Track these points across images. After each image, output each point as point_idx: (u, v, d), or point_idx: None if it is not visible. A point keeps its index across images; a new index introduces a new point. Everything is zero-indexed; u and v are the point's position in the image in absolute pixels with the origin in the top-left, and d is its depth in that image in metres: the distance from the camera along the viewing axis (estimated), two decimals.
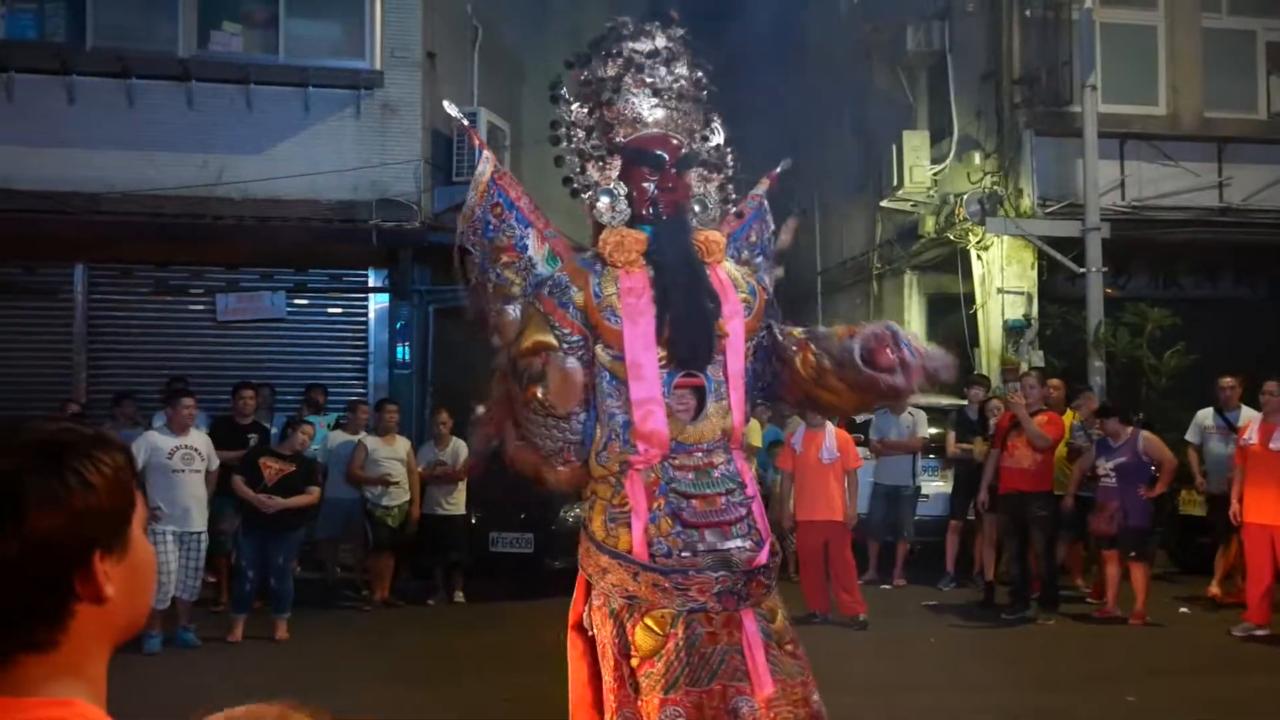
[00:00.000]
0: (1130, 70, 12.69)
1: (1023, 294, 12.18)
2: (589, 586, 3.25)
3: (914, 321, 14.64)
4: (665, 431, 3.16)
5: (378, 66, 10.87)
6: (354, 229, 10.81)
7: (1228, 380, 9.32)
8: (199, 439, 7.79)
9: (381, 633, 8.29)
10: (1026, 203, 12.21)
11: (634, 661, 3.08)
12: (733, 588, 3.10)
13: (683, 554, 3.10)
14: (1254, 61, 12.97)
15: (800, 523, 8.64)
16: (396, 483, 9.15)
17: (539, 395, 3.12)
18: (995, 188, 12.30)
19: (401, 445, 9.29)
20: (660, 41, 3.35)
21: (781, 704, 3.09)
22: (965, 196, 12.29)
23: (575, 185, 3.38)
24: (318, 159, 10.74)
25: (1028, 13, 12.35)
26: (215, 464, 7.82)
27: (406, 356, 11.35)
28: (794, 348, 3.40)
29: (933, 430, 10.50)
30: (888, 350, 3.19)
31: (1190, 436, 9.23)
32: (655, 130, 3.32)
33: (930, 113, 14.15)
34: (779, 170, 3.81)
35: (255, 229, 10.68)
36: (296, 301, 11.60)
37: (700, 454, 3.20)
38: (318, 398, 10.26)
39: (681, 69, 3.36)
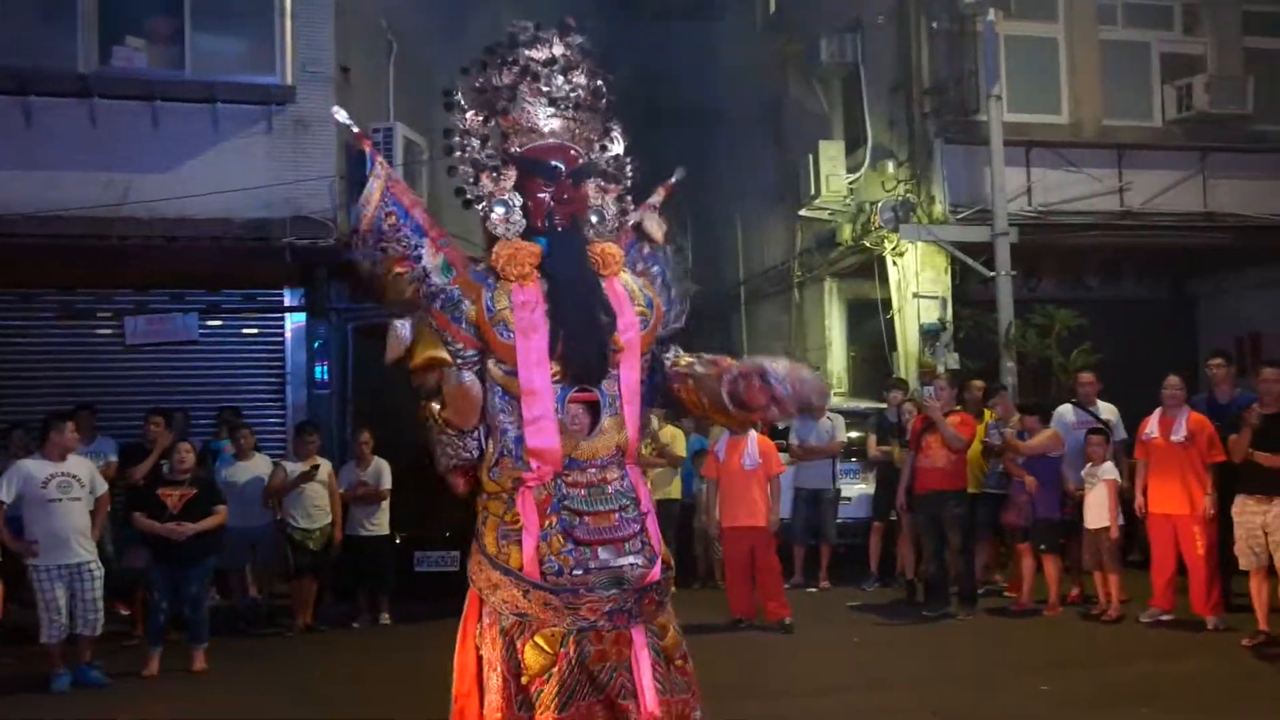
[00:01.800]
0: (1033, 80, 13.07)
1: (937, 298, 12.42)
2: (480, 604, 3.20)
3: (835, 327, 14.86)
4: (558, 448, 3.11)
5: (289, 81, 10.68)
6: (267, 247, 10.59)
7: (1087, 376, 9.74)
8: (79, 465, 7.40)
9: (305, 659, 8.14)
10: (939, 209, 12.47)
11: (524, 679, 3.05)
12: (624, 605, 3.07)
13: (574, 572, 3.06)
14: (1149, 71, 13.46)
15: (725, 529, 8.69)
16: (316, 467, 8.97)
17: (435, 412, 3.11)
18: (908, 195, 12.54)
19: (322, 467, 9.13)
20: (558, 49, 3.28)
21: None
22: (880, 204, 12.51)
23: (469, 196, 3.31)
24: (228, 176, 10.49)
25: (934, 25, 12.65)
26: (101, 489, 7.48)
27: (325, 376, 11.17)
28: (676, 383, 3.38)
29: (853, 434, 10.66)
30: (757, 389, 3.16)
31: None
32: (551, 140, 3.26)
33: (845, 123, 14.38)
34: (673, 180, 3.73)
35: (164, 249, 10.40)
36: (209, 323, 11.36)
37: (594, 470, 3.14)
38: (232, 420, 10.05)
39: (579, 77, 3.29)
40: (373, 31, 11.92)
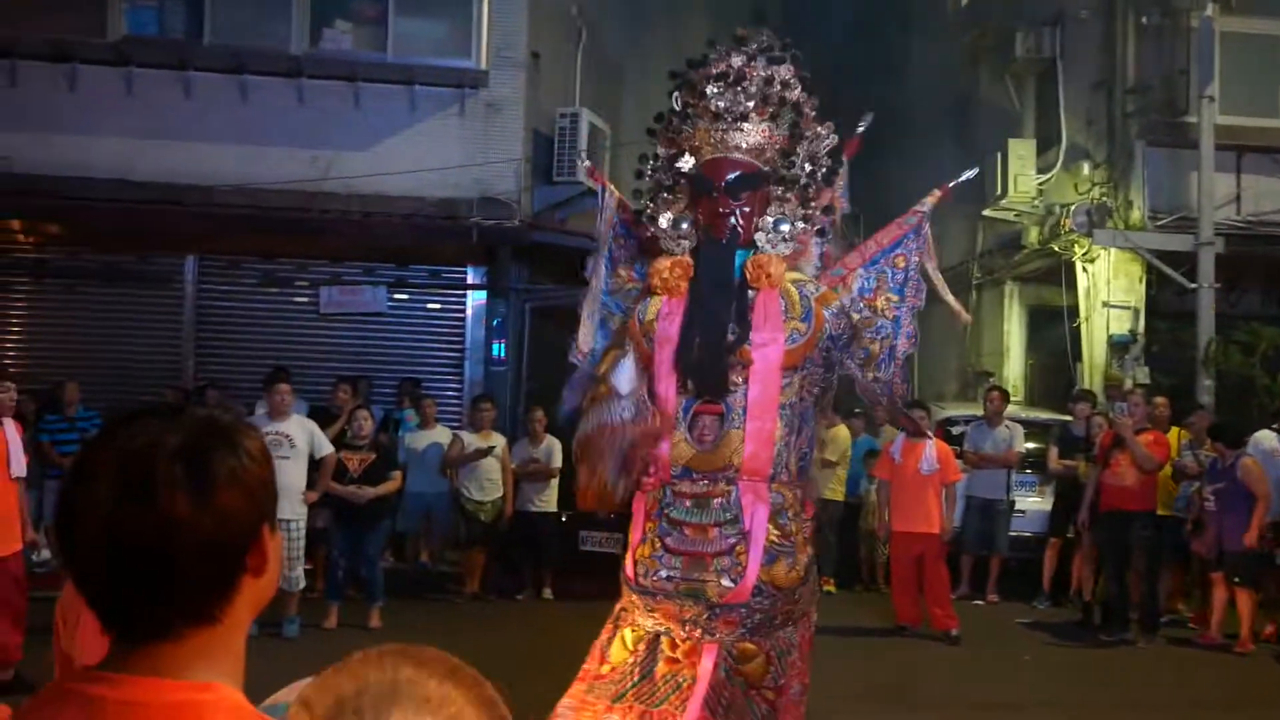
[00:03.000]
0: (1250, 81, 12.25)
1: (1129, 309, 11.85)
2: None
3: (1014, 333, 14.34)
4: (666, 456, 3.20)
5: (483, 66, 10.98)
6: (454, 226, 10.95)
7: None
8: (295, 426, 7.76)
9: (471, 626, 8.39)
10: (1136, 215, 11.88)
11: (605, 667, 3.19)
12: (698, 619, 3.12)
13: (656, 576, 3.15)
14: None
15: (896, 534, 8.51)
16: (493, 448, 9.21)
17: (606, 389, 3.28)
18: (1104, 199, 11.99)
19: (497, 441, 9.39)
20: (734, 61, 3.31)
21: None
22: (1073, 207, 11.99)
23: (646, 216, 3.42)
24: (422, 156, 10.90)
25: (1144, 20, 12.01)
26: (323, 451, 7.82)
27: (502, 354, 11.46)
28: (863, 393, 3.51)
29: (1030, 445, 10.27)
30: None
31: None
32: (714, 154, 3.29)
33: (1037, 121, 13.83)
34: (861, 130, 3.75)
35: (359, 224, 10.89)
36: (396, 296, 11.80)
37: (704, 482, 3.19)
38: (413, 391, 10.45)
39: (752, 86, 3.29)
40: (563, 18, 12.12)
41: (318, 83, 10.95)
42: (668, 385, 3.22)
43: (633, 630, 3.19)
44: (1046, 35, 13.18)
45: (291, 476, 7.61)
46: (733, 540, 3.17)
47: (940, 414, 10.99)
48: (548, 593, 9.43)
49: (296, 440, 7.68)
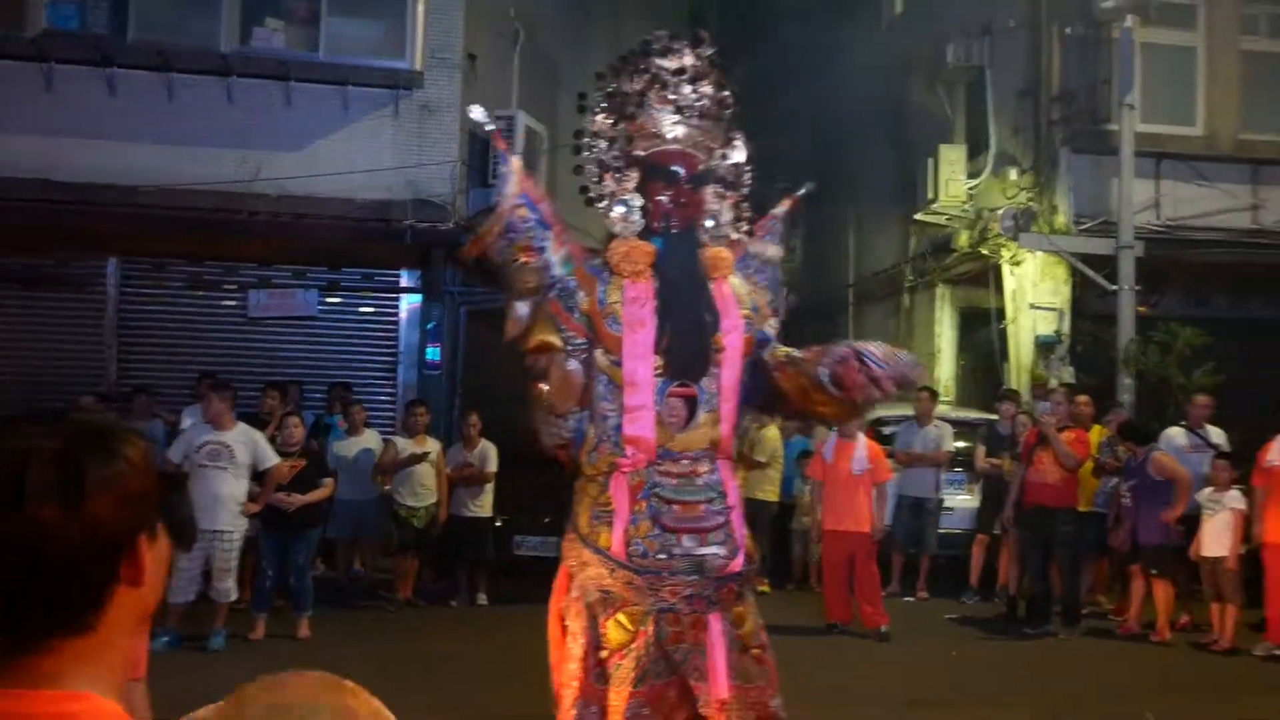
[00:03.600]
0: (1168, 90, 12.66)
1: (1055, 310, 12.14)
2: (570, 579, 3.39)
3: (945, 334, 14.60)
4: (653, 438, 3.29)
5: (418, 67, 10.89)
6: (388, 228, 10.85)
7: (1202, 398, 9.48)
8: (237, 436, 7.59)
9: (403, 633, 8.31)
10: (1061, 219, 12.17)
11: (603, 654, 3.22)
12: (703, 592, 3.24)
13: (658, 555, 3.23)
14: None
15: (827, 533, 8.62)
16: (427, 453, 9.16)
17: (543, 392, 3.30)
18: (1030, 203, 12.27)
19: (431, 447, 9.33)
20: (688, 59, 3.42)
21: (738, 706, 3.23)
22: (1000, 211, 12.25)
23: (592, 194, 3.49)
24: (355, 158, 10.79)
25: (1068, 30, 12.33)
26: (267, 462, 7.63)
27: (437, 358, 11.37)
28: (776, 371, 3.51)
29: (959, 443, 10.47)
30: (854, 369, 3.28)
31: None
32: (674, 146, 3.41)
33: (967, 127, 14.11)
34: (801, 193, 3.91)
35: (290, 226, 10.73)
36: (328, 300, 11.65)
37: (686, 461, 3.32)
38: (343, 396, 10.33)
39: (706, 87, 3.43)
40: (500, 20, 12.08)
41: (248, 81, 10.78)
42: (645, 368, 3.29)
43: (628, 613, 3.23)
44: (975, 44, 13.45)
45: (230, 487, 7.45)
46: (721, 515, 3.33)
47: (871, 414, 11.14)
48: (482, 598, 9.38)
49: (237, 451, 7.50)
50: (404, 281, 11.65)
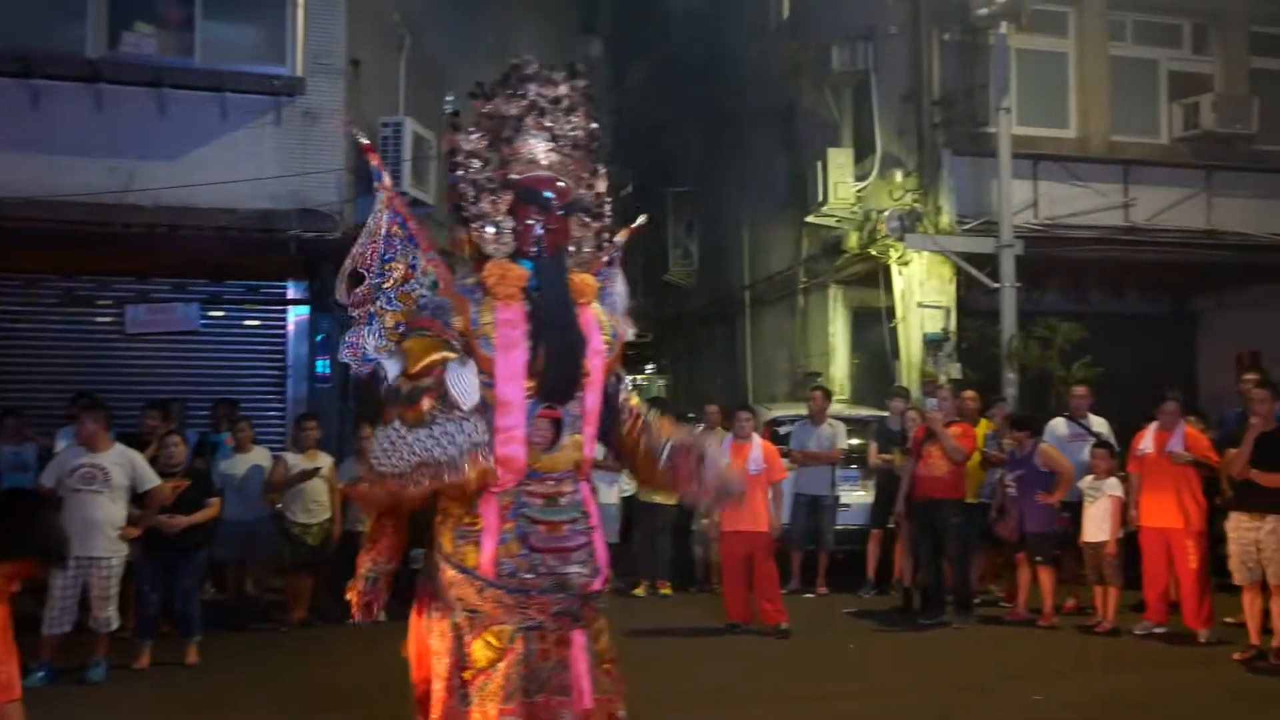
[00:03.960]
0: (1042, 94, 13.14)
1: (941, 308, 12.43)
2: (431, 600, 3.47)
3: (838, 334, 14.85)
4: (523, 458, 3.37)
5: (299, 73, 10.64)
6: (273, 239, 10.56)
7: (1080, 389, 9.83)
8: (113, 458, 7.26)
9: (299, 654, 8.08)
10: (945, 220, 12.48)
11: (467, 675, 3.29)
12: (568, 609, 3.37)
13: (525, 575, 3.33)
14: (1157, 89, 13.56)
15: (725, 533, 8.66)
16: (319, 468, 8.94)
17: (432, 404, 3.18)
18: (915, 205, 12.56)
19: (323, 461, 9.10)
20: (564, 89, 3.53)
21: (598, 717, 3.40)
22: (887, 213, 12.52)
23: (464, 213, 3.53)
24: (235, 167, 10.46)
25: (946, 36, 12.67)
26: (147, 484, 7.33)
27: (327, 370, 11.12)
28: (626, 418, 3.72)
29: (853, 441, 10.66)
30: (688, 466, 3.60)
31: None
32: (547, 173, 3.51)
33: (854, 131, 14.38)
34: (637, 225, 4.05)
35: (168, 238, 10.35)
36: (211, 314, 11.32)
37: (551, 482, 3.42)
38: (229, 413, 10.02)
39: (579, 118, 3.55)
40: (385, 25, 11.89)
41: (118, 88, 10.36)
42: (517, 390, 3.35)
43: (495, 631, 3.31)
44: (860, 49, 13.71)
45: (106, 511, 7.12)
46: (583, 534, 3.45)
47: (768, 415, 11.28)
48: (380, 614, 9.15)
49: (113, 474, 7.17)
50: (291, 293, 11.37)
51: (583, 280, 3.56)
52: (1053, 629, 8.58)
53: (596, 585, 3.44)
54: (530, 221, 3.48)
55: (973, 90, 12.53)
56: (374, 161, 3.77)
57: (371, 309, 3.59)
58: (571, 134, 3.52)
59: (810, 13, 15.66)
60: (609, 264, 3.88)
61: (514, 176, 3.49)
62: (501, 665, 3.27)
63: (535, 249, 3.48)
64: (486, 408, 3.32)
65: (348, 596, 3.86)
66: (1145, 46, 13.62)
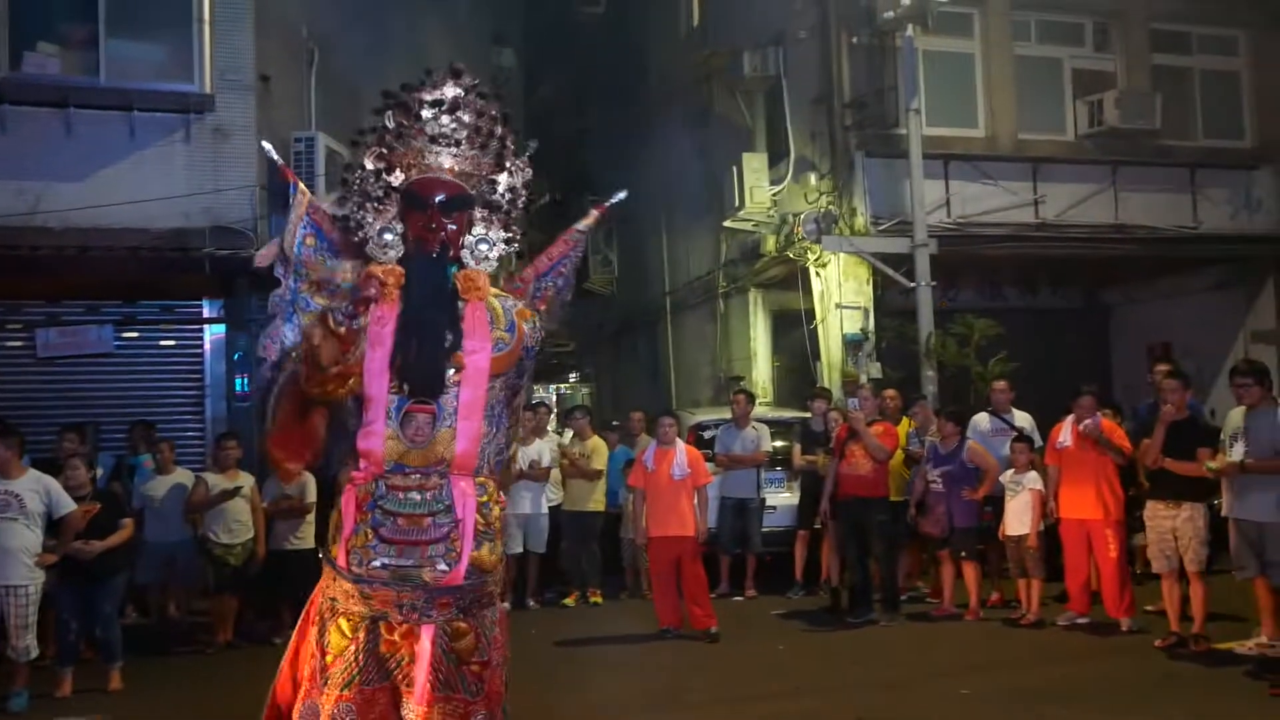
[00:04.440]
0: (951, 95, 13.38)
1: (860, 309, 12.60)
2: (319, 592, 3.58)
3: (759, 337, 15.01)
4: (380, 451, 3.42)
5: (207, 89, 10.49)
6: (186, 258, 10.39)
7: (1001, 384, 10.06)
8: (28, 484, 7.13)
9: (225, 676, 7.95)
10: (860, 221, 12.67)
11: (328, 659, 3.39)
12: (415, 603, 3.39)
13: (372, 565, 3.38)
14: (1062, 87, 13.87)
15: (652, 539, 8.70)
16: (239, 488, 8.83)
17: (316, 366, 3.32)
18: (830, 207, 12.73)
19: (244, 480, 8.98)
20: (448, 91, 3.57)
21: (438, 716, 3.39)
22: (803, 216, 12.68)
23: (351, 223, 3.60)
24: (146, 185, 10.29)
25: (855, 40, 12.86)
26: (63, 509, 7.17)
27: (246, 388, 10.97)
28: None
29: (777, 443, 10.78)
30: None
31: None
32: (428, 175, 3.56)
33: (768, 135, 14.56)
34: (612, 202, 4.07)
35: (78, 259, 10.14)
36: (125, 334, 11.10)
37: (417, 476, 3.45)
38: (146, 434, 9.84)
39: (465, 116, 3.59)
40: (293, 39, 11.76)
41: (21, 109, 10.17)
42: (380, 385, 3.42)
43: (347, 618, 3.40)
44: (771, 54, 13.91)
45: (21, 539, 6.99)
46: (446, 528, 3.44)
47: (691, 420, 11.37)
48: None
49: (27, 500, 7.05)
50: (206, 312, 11.20)
51: (468, 276, 3.58)
52: (979, 623, 8.75)
53: (454, 580, 3.42)
54: (414, 224, 3.54)
55: (883, 92, 12.72)
56: (289, 177, 3.85)
57: (289, 309, 3.67)
58: (454, 133, 3.57)
59: (720, 19, 15.84)
60: (573, 248, 3.98)
61: (394, 182, 3.56)
62: (345, 653, 3.37)
63: (417, 249, 3.54)
64: (358, 403, 3.44)
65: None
66: (1049, 45, 13.92)
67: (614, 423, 11.44)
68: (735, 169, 13.66)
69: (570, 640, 8.39)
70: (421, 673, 3.35)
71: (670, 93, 17.03)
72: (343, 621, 3.39)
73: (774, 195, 13.64)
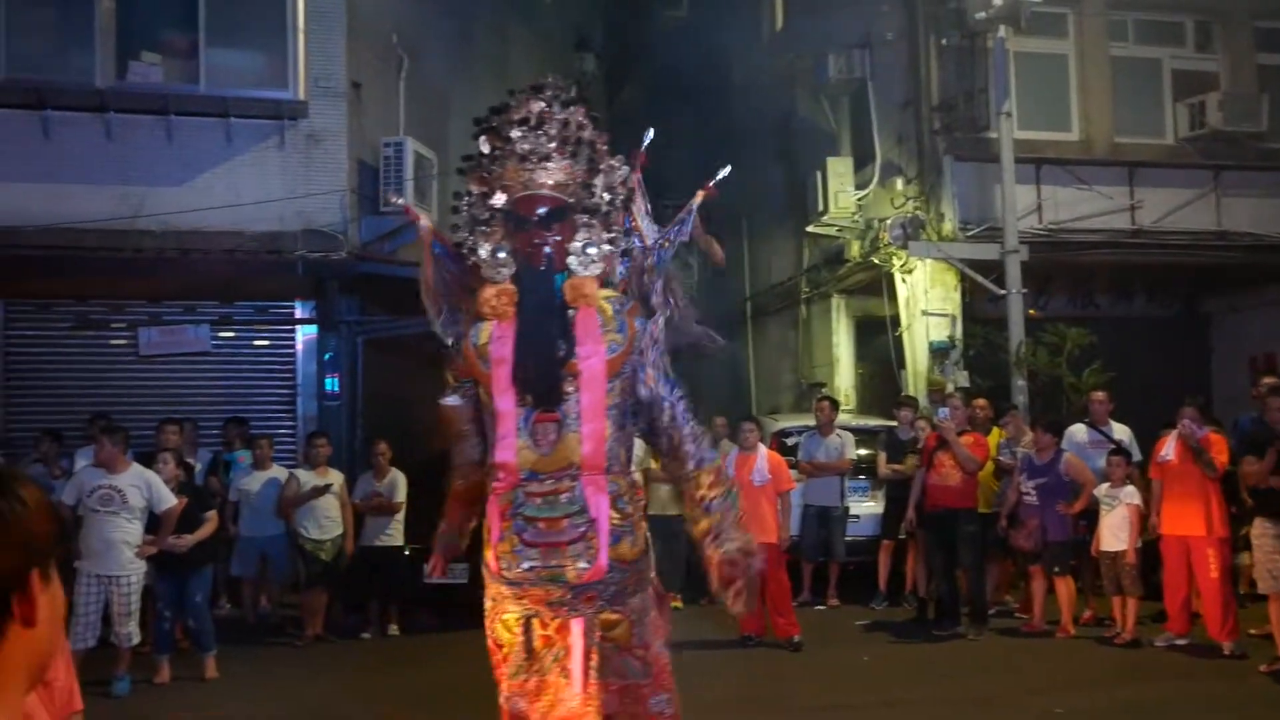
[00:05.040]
0: (1043, 97, 13.10)
1: (947, 316, 12.40)
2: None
3: (842, 344, 14.85)
4: (514, 462, 3.65)
5: (301, 96, 10.74)
6: (280, 260, 10.65)
7: (1099, 395, 9.73)
8: (130, 479, 7.37)
9: (314, 669, 8.15)
10: (948, 226, 12.47)
11: (502, 652, 3.73)
12: (563, 600, 3.63)
13: (520, 568, 3.63)
14: (1161, 88, 13.47)
15: None
16: (330, 485, 9.01)
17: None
18: (917, 212, 12.54)
19: (334, 478, 9.17)
20: (533, 107, 3.71)
21: (611, 699, 3.65)
22: (889, 221, 12.51)
23: (464, 248, 3.81)
24: (241, 190, 10.58)
25: (944, 41, 12.66)
26: (164, 504, 7.43)
27: (335, 388, 11.19)
28: (663, 441, 3.86)
29: (861, 451, 10.64)
30: (738, 580, 3.75)
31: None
32: (524, 192, 3.69)
33: (853, 139, 14.40)
34: (717, 180, 4.20)
35: (178, 261, 10.46)
36: (221, 334, 11.39)
37: (550, 481, 3.65)
38: (240, 431, 10.09)
39: (551, 129, 3.71)
40: (384, 47, 11.98)
41: (126, 117, 10.50)
42: (507, 400, 3.63)
43: (509, 616, 3.69)
44: (856, 57, 13.75)
45: (123, 532, 7.27)
46: (582, 528, 3.63)
47: (774, 426, 11.29)
48: (394, 629, 9.23)
49: (129, 496, 7.31)
50: (298, 313, 11.44)
51: (575, 284, 3.70)
52: (1071, 640, 8.47)
53: (595, 575, 3.61)
54: (518, 241, 3.71)
55: (972, 95, 12.48)
56: (411, 216, 4.30)
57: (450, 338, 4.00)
58: (539, 149, 3.67)
59: (804, 22, 15.70)
60: (679, 225, 4.09)
61: (497, 204, 3.71)
62: (515, 647, 3.66)
63: (524, 265, 3.72)
64: (491, 419, 3.68)
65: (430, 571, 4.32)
66: (1148, 46, 13.54)
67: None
68: (819, 173, 13.54)
69: None
70: (576, 663, 3.59)
71: (752, 96, 16.94)
72: (506, 618, 3.69)
73: (858, 200, 13.50)
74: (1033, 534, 8.77)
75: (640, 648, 3.71)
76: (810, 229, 14.32)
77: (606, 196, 3.77)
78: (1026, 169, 12.40)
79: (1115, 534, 8.42)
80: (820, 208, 13.52)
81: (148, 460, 8.40)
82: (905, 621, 9.35)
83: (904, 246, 12.31)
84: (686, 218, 4.12)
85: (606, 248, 3.77)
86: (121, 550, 7.27)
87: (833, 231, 14.02)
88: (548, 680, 3.62)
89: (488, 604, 3.74)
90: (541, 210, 3.66)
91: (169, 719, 6.95)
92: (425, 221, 4.04)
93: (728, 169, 4.23)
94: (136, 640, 7.42)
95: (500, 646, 3.71)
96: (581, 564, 3.60)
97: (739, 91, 17.49)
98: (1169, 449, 8.17)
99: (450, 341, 3.92)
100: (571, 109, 3.74)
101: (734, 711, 6.73)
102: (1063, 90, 13.20)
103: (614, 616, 3.67)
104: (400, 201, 4.35)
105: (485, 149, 3.72)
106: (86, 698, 6.91)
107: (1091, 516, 8.70)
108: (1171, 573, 8.17)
